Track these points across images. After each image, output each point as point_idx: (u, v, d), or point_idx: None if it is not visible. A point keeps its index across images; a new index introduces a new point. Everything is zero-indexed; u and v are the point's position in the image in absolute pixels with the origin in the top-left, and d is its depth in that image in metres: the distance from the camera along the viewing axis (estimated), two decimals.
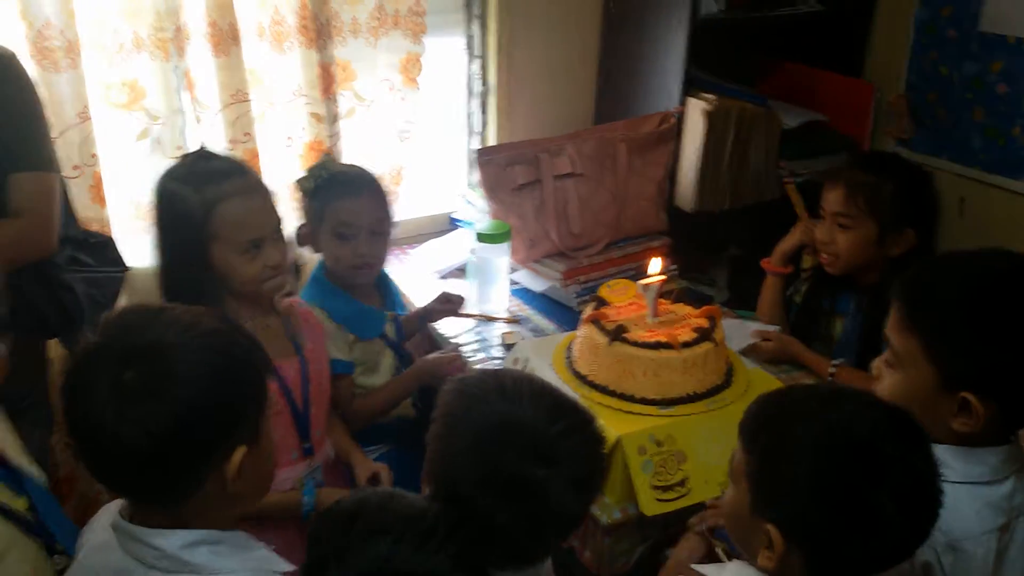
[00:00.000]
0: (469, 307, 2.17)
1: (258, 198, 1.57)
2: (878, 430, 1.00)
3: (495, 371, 1.26)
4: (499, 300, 2.19)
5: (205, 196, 1.50)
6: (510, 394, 1.15)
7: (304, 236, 1.86)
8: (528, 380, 1.20)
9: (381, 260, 1.89)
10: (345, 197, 1.81)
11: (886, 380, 1.27)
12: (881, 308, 1.87)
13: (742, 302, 2.36)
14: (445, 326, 2.12)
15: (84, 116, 1.91)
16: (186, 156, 1.63)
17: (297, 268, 1.94)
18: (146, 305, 1.08)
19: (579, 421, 1.17)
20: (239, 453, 1.03)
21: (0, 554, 1.11)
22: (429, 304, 2.11)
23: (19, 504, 1.19)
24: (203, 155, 1.60)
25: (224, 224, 1.51)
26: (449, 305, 2.09)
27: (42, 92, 1.78)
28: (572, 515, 1.16)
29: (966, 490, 1.16)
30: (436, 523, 1.01)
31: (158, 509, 1.05)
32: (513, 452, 1.10)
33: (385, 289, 1.96)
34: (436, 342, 2.12)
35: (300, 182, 1.84)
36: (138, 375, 0.97)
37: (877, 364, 1.31)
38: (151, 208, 1.57)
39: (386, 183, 2.33)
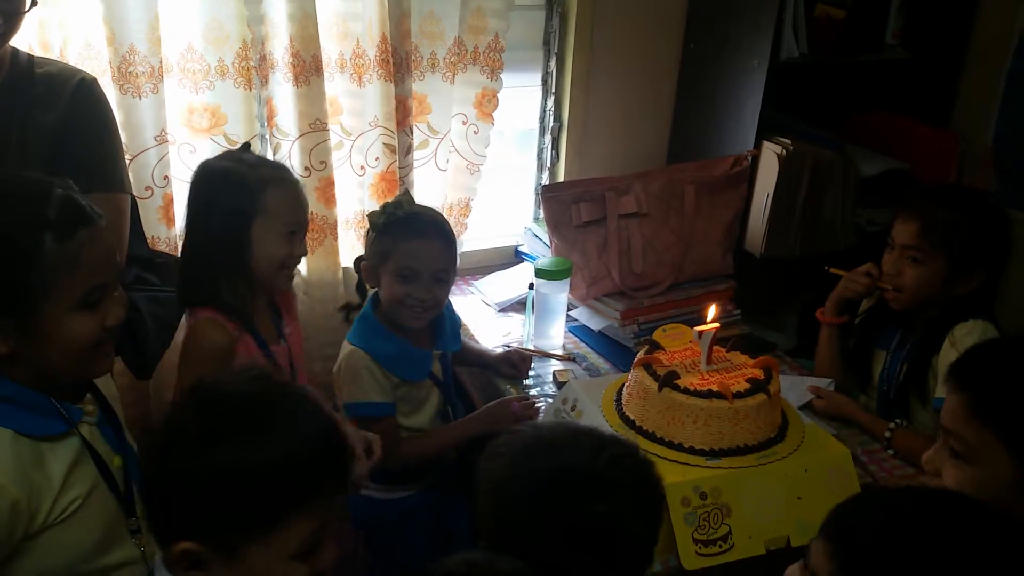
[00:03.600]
0: (525, 342, 2.18)
1: (300, 192, 1.70)
2: (982, 541, 0.90)
3: (531, 427, 1.28)
4: (556, 336, 2.19)
5: (259, 174, 1.63)
6: (550, 445, 1.16)
7: (365, 269, 1.86)
8: (563, 427, 1.23)
9: (438, 306, 1.85)
10: (415, 239, 1.78)
11: (952, 475, 1.18)
12: (933, 344, 1.86)
13: (811, 350, 2.30)
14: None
15: (162, 139, 2.00)
16: (231, 150, 1.76)
17: (353, 306, 1.94)
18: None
19: (623, 450, 1.19)
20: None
21: (88, 491, 1.21)
22: (494, 357, 2.10)
23: (115, 461, 1.28)
24: (248, 150, 1.73)
25: (274, 203, 1.62)
26: (513, 371, 2.07)
27: (121, 115, 1.89)
28: (643, 544, 1.17)
29: None
30: None
31: None
32: (569, 497, 1.11)
33: (437, 327, 1.91)
34: (494, 382, 2.11)
35: (372, 216, 1.84)
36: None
37: (931, 458, 1.22)
38: (192, 187, 1.66)
39: (454, 214, 2.39)
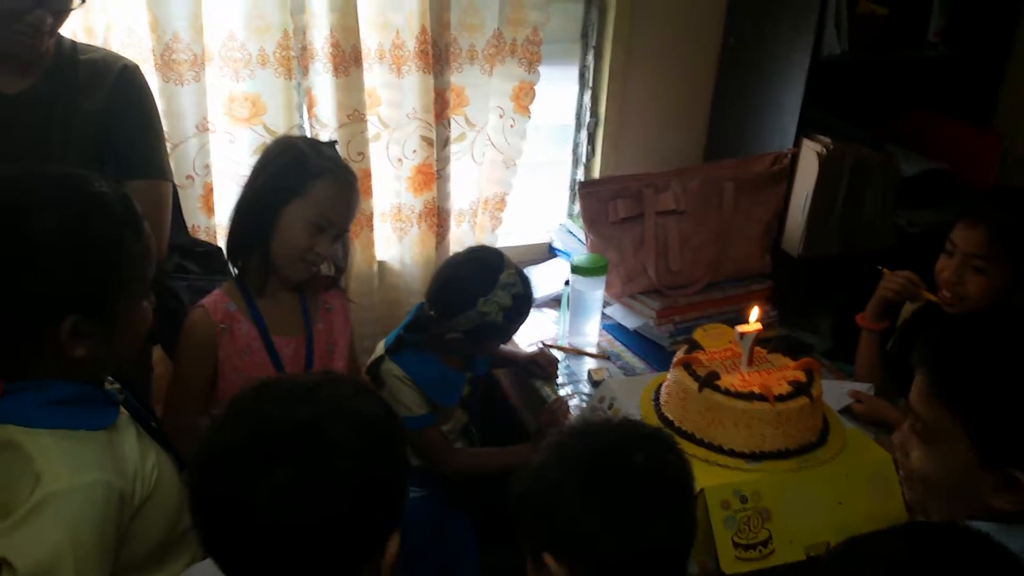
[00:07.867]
0: (559, 339, 2.17)
1: (352, 198, 1.70)
2: None
3: (584, 423, 1.28)
4: (590, 334, 2.17)
5: (320, 163, 1.62)
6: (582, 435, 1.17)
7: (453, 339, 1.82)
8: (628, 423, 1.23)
9: None
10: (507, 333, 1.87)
11: (915, 454, 1.19)
12: None
13: (846, 352, 2.28)
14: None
15: (203, 128, 1.99)
16: (317, 140, 1.79)
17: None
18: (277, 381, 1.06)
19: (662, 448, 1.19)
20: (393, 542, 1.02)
21: (155, 457, 1.23)
22: (523, 357, 2.09)
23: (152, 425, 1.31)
24: (333, 147, 1.73)
25: (317, 191, 1.61)
26: (541, 371, 2.06)
27: (163, 103, 1.88)
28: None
29: None
30: None
31: None
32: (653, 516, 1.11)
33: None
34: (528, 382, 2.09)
35: (498, 300, 1.79)
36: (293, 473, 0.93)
37: (900, 439, 1.23)
38: (262, 153, 1.70)
39: (489, 208, 2.38)
